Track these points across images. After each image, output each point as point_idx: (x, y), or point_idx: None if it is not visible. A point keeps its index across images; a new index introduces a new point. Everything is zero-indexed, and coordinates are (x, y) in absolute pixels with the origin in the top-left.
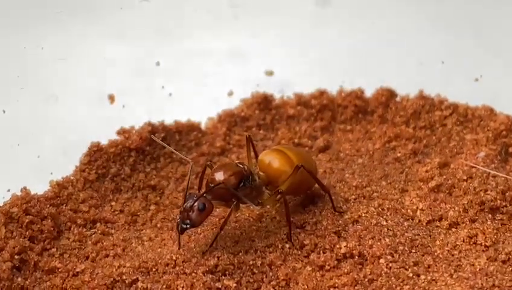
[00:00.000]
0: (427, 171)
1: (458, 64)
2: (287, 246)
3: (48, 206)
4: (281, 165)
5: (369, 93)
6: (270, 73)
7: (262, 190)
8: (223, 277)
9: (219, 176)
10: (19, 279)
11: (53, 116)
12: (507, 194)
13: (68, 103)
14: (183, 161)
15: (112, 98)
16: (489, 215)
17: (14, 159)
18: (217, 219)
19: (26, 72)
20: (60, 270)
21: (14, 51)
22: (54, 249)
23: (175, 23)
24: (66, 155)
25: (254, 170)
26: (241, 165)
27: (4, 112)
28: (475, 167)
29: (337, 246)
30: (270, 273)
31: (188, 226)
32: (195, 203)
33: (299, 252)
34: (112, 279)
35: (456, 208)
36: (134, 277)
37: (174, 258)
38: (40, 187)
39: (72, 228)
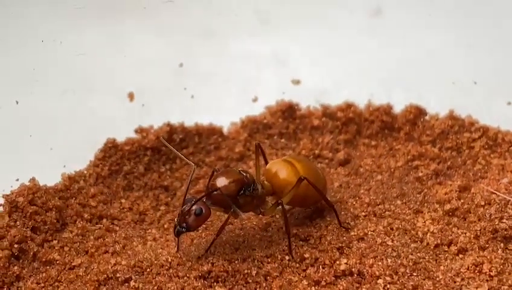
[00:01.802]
0: (445, 194)
1: (492, 86)
2: (287, 258)
3: (56, 198)
4: (287, 176)
5: (398, 109)
6: (297, 82)
7: (264, 199)
8: (215, 284)
9: (219, 182)
10: (15, 268)
11: (69, 111)
12: None
13: (85, 98)
14: (199, 164)
15: (131, 96)
16: (501, 245)
17: (25, 149)
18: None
19: (43, 65)
20: (57, 262)
21: (31, 44)
22: (54, 241)
23: (201, 25)
24: (81, 150)
25: (259, 178)
26: (243, 173)
27: (17, 102)
28: (495, 193)
29: (337, 262)
30: (264, 284)
31: (184, 229)
32: (193, 208)
33: (298, 265)
34: (105, 275)
35: (468, 234)
36: (128, 276)
37: (169, 260)
38: (51, 179)
39: (76, 222)
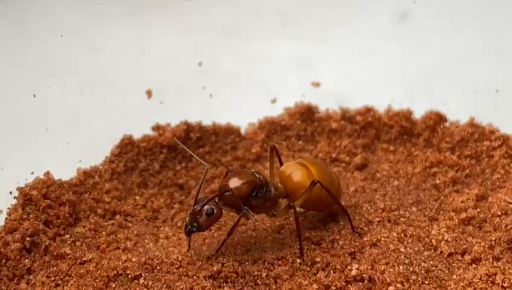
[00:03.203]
0: (462, 202)
1: None
2: (298, 261)
3: (70, 192)
4: (301, 179)
5: (418, 115)
6: (317, 84)
7: (277, 202)
8: (224, 284)
9: (231, 183)
10: (26, 260)
11: (86, 106)
12: None
13: (103, 94)
14: (215, 163)
15: (149, 93)
16: None
17: (41, 143)
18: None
19: (61, 59)
20: (68, 257)
21: (50, 38)
22: (67, 236)
23: (222, 25)
24: (97, 145)
25: (272, 180)
26: (256, 175)
27: (34, 96)
28: None
29: (349, 267)
30: (274, 287)
31: (195, 229)
32: (204, 208)
33: (309, 268)
34: (115, 272)
35: (482, 244)
36: (138, 273)
37: (179, 259)
38: (66, 174)
39: (89, 217)
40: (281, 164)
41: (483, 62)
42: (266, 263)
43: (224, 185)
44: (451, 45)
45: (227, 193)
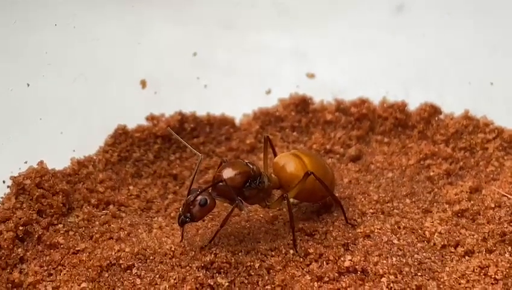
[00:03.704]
0: (456, 194)
1: (509, 88)
2: (291, 252)
3: (63, 182)
4: (294, 170)
5: (413, 107)
6: (311, 76)
7: (270, 192)
8: (217, 275)
9: (225, 173)
10: (19, 249)
11: (80, 96)
12: None
13: (97, 84)
14: (209, 154)
15: (143, 84)
16: (509, 248)
17: (35, 132)
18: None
19: (55, 49)
20: (61, 246)
21: (45, 27)
22: (60, 225)
23: (218, 16)
24: (91, 135)
25: (266, 171)
26: (250, 165)
27: (28, 85)
28: (506, 196)
29: (342, 258)
30: (267, 277)
31: (188, 219)
32: (198, 198)
33: (302, 259)
34: (108, 261)
35: (475, 236)
36: (131, 263)
37: (172, 249)
38: (60, 163)
39: (83, 207)
40: (275, 155)
41: (478, 55)
42: (259, 253)
43: (218, 175)
44: (447, 38)
45: (221, 184)
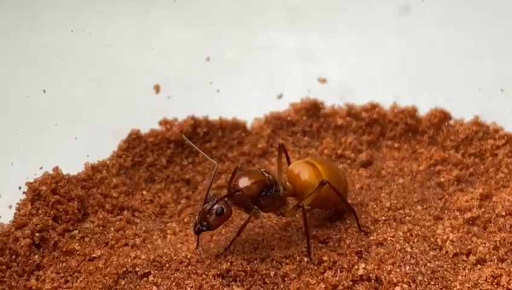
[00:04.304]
0: (466, 201)
1: None
2: (305, 259)
3: (78, 187)
4: (309, 179)
5: (423, 111)
6: (323, 80)
7: (285, 201)
8: (233, 283)
9: (241, 182)
10: (36, 256)
11: (94, 101)
12: None
13: (111, 89)
14: (222, 158)
15: (157, 88)
16: None
17: (50, 138)
18: (241, 221)
19: (71, 55)
20: (77, 253)
21: (60, 34)
22: (75, 231)
23: (230, 19)
24: (105, 140)
25: (281, 179)
26: (266, 174)
27: (44, 91)
28: None
29: (355, 267)
30: (282, 286)
31: (204, 228)
32: (214, 207)
33: (316, 267)
34: (124, 269)
35: (487, 244)
36: (147, 270)
37: (188, 256)
38: (74, 168)
39: (98, 212)
40: (289, 162)
41: (488, 61)
42: (274, 261)
43: (234, 184)
44: (457, 42)
45: (237, 193)
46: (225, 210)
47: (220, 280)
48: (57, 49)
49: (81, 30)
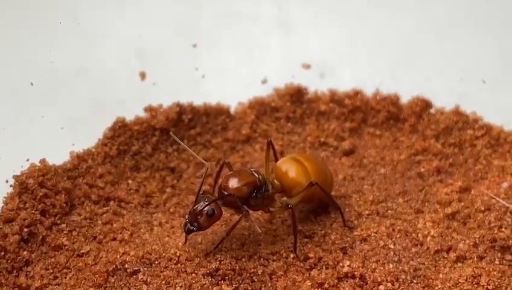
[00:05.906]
0: (446, 194)
1: (500, 86)
2: (291, 256)
3: (64, 179)
4: (297, 177)
5: (404, 99)
6: (307, 66)
7: (274, 198)
8: (222, 282)
9: (232, 184)
10: (25, 252)
11: (80, 89)
12: None
13: (97, 77)
14: (206, 144)
15: (142, 75)
16: (499, 255)
17: (36, 129)
18: (228, 215)
19: (59, 46)
20: (66, 248)
21: (49, 25)
22: (63, 225)
23: (220, 6)
24: (90, 128)
25: (269, 177)
26: (256, 175)
27: (32, 84)
28: (495, 199)
29: (341, 264)
30: (269, 284)
31: (194, 229)
32: (205, 208)
33: (302, 264)
34: (114, 266)
35: (467, 241)
36: (136, 268)
37: (177, 254)
38: (60, 158)
39: (84, 204)
40: (276, 159)
41: (470, 52)
42: (261, 258)
43: (225, 186)
44: (440, 32)
45: (228, 195)
46: (216, 211)
47: (210, 279)
48: (46, 41)
49: (69, 20)
